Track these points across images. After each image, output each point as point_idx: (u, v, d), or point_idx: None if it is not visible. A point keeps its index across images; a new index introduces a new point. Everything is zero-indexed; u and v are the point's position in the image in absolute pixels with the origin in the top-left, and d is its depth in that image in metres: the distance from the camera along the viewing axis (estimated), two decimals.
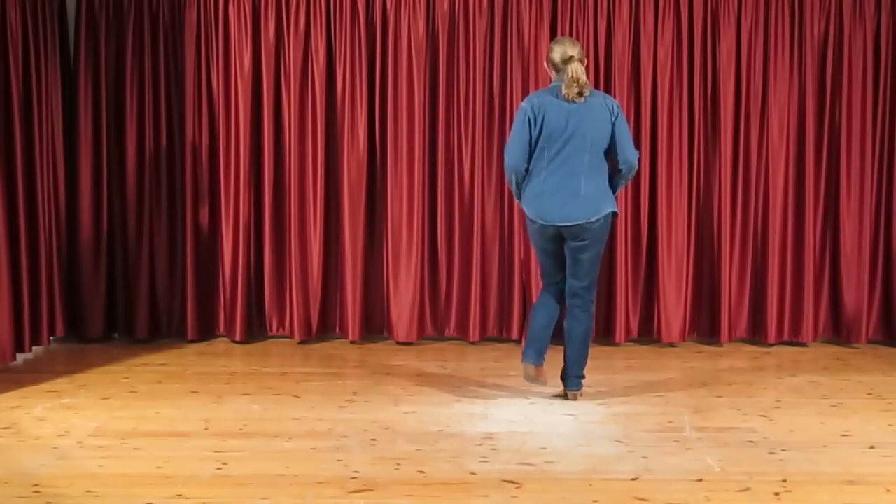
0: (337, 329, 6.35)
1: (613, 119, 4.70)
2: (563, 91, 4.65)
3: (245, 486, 3.68)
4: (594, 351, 6.07)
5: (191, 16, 6.13)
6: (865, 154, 6.18)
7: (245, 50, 6.13)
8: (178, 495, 3.59)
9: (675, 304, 6.19)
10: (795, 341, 6.26)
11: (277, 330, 6.36)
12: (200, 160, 6.19)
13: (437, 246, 6.26)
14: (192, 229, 6.18)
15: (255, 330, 6.33)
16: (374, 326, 6.35)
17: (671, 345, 6.24)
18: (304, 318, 6.22)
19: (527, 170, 4.74)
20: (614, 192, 4.81)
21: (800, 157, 6.21)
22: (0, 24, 5.30)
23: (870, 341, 6.28)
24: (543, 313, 4.91)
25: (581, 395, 4.94)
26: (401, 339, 6.24)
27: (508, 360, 5.78)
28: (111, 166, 6.18)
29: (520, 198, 4.86)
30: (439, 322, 6.33)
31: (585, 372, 4.96)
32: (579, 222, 4.66)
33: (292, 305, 6.22)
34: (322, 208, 6.21)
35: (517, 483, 3.73)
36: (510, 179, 4.82)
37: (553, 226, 4.70)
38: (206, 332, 6.31)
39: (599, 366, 5.70)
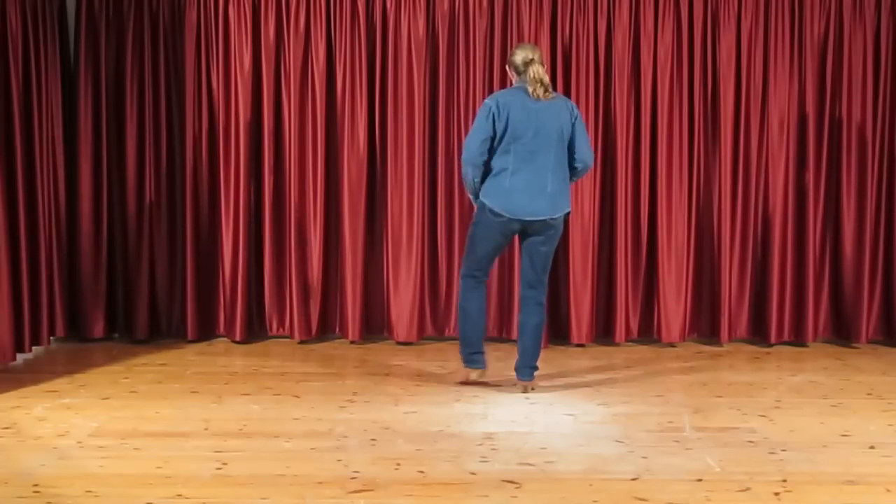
0: (337, 329, 6.35)
1: (573, 120, 4.90)
2: (530, 90, 4.83)
3: (245, 486, 3.68)
4: (594, 351, 6.12)
5: (191, 16, 6.13)
6: (865, 154, 6.18)
7: (245, 50, 6.13)
8: (178, 495, 3.59)
9: (675, 304, 6.19)
10: (796, 341, 6.26)
11: (277, 330, 6.36)
12: (200, 160, 6.19)
13: (437, 246, 6.27)
14: (192, 229, 6.18)
15: (255, 330, 6.33)
16: (374, 326, 6.35)
17: (671, 345, 6.24)
18: (304, 318, 6.22)
19: (485, 164, 4.88)
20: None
21: (800, 157, 6.21)
22: (0, 24, 5.30)
23: (870, 341, 6.28)
24: (478, 310, 5.10)
25: (534, 387, 5.08)
26: (401, 339, 6.24)
27: (508, 360, 5.75)
28: (111, 166, 6.19)
29: (474, 193, 4.96)
30: (439, 322, 6.33)
31: (539, 363, 5.12)
32: (544, 218, 4.86)
33: (292, 305, 6.22)
34: (322, 208, 6.21)
35: (517, 483, 3.73)
36: (466, 173, 4.93)
37: (519, 220, 4.86)
38: (206, 332, 6.30)
39: (599, 366, 5.71)
